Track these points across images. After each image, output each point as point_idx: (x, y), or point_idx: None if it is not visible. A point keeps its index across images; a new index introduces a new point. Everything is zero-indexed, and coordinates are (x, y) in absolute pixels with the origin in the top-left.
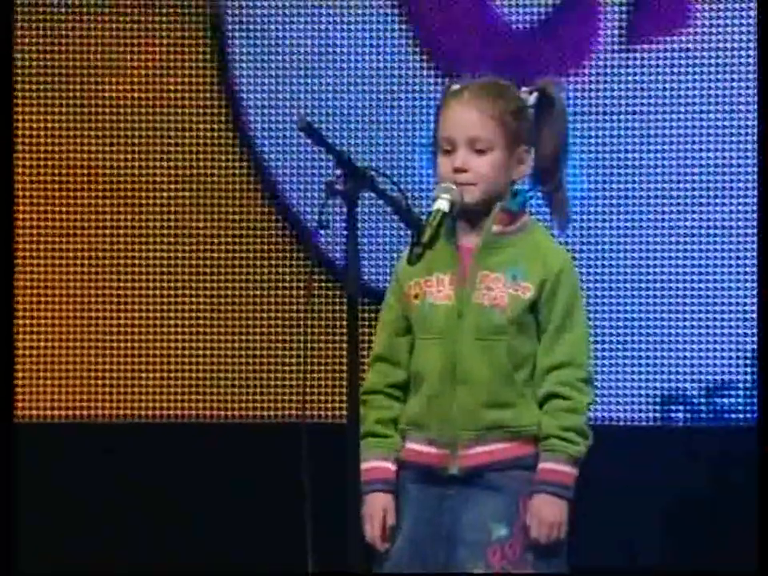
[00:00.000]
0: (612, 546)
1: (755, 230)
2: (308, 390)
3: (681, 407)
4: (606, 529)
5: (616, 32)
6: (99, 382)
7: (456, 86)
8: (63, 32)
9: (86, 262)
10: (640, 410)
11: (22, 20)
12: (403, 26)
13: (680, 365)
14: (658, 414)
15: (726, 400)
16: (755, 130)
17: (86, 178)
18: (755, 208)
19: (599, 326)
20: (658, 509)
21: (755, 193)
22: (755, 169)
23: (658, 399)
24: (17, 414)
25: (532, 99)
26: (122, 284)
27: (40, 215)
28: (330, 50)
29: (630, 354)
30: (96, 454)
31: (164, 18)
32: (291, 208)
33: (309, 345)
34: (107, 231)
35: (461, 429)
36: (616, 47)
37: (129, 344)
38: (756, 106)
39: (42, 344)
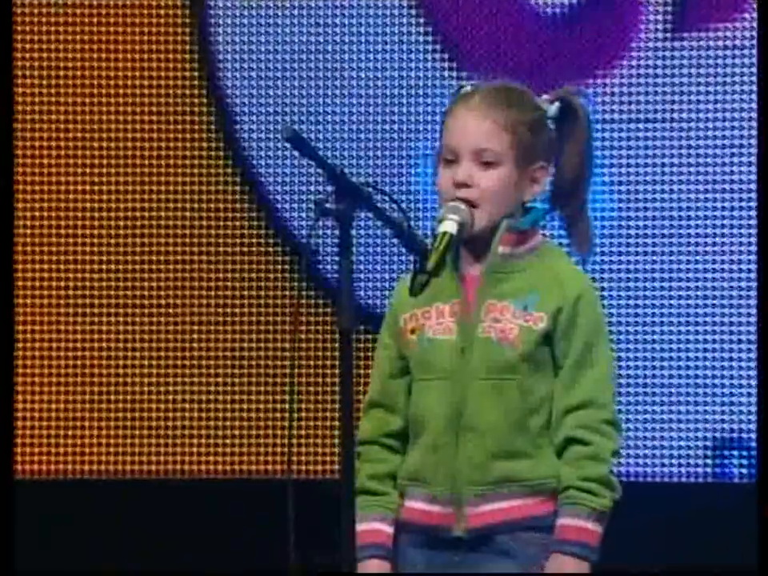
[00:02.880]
0: None
1: None
2: (295, 440)
3: (734, 460)
4: None
5: (651, 26)
6: (98, 432)
7: (467, 89)
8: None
9: (87, 320)
10: (680, 465)
11: (21, 20)
12: (406, 17)
13: (729, 411)
14: (701, 469)
15: None
16: None
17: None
18: None
19: (629, 365)
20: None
21: None
22: None
23: (702, 452)
24: (17, 470)
25: (553, 110)
26: (112, 344)
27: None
28: (321, 47)
29: (668, 399)
30: (92, 510)
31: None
32: (277, 232)
33: (296, 386)
34: (102, 274)
35: (467, 484)
36: (651, 44)
37: (115, 399)
38: None
39: (42, 402)
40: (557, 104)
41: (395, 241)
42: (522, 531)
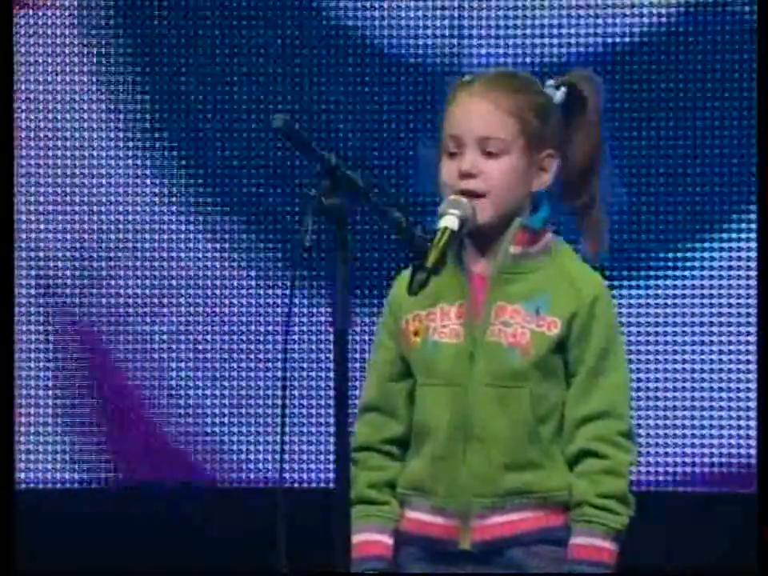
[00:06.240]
0: None
1: None
2: (286, 446)
3: (734, 470)
4: None
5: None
6: (97, 440)
7: (467, 77)
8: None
9: (85, 329)
10: (703, 474)
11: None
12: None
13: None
14: (703, 480)
15: None
16: None
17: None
18: None
19: (642, 370)
20: None
21: None
22: None
23: (702, 461)
24: (18, 478)
25: (559, 95)
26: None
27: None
28: (315, 31)
29: (690, 405)
30: (93, 520)
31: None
32: (267, 229)
33: (288, 391)
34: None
35: (474, 495)
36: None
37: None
38: None
39: (42, 409)
40: (563, 89)
41: (393, 237)
42: (533, 544)
